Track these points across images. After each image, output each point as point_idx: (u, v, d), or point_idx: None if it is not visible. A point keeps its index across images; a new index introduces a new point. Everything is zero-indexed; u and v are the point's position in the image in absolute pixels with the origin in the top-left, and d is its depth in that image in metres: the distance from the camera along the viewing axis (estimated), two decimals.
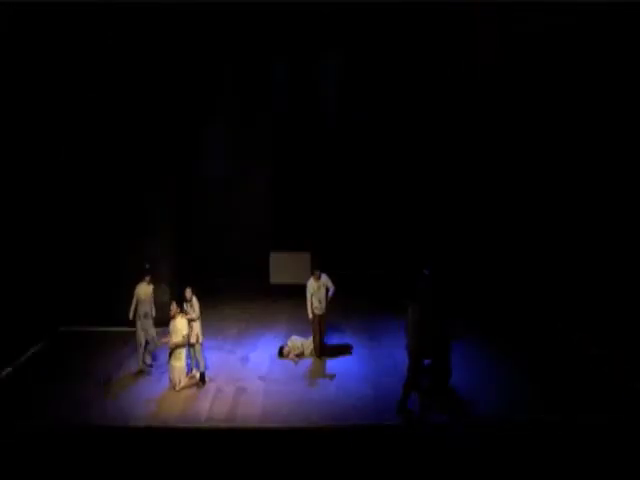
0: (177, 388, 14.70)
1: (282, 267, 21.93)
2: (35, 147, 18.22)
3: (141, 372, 15.62)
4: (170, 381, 14.88)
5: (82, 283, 18.76)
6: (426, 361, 15.01)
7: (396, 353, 16.69)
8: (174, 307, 14.92)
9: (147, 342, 15.79)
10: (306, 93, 22.14)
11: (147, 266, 16.14)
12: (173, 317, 14.85)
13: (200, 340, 15.12)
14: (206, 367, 15.14)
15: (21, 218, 18.10)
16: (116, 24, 17.99)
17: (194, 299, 15.16)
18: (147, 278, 15.95)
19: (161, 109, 18.69)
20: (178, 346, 14.77)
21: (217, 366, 15.78)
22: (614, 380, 15.02)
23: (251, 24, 20.70)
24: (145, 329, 15.79)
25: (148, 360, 15.88)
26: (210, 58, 21.36)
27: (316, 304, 16.40)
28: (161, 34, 18.48)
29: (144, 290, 15.92)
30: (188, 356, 15.09)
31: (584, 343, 17.06)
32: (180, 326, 14.76)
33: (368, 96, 22.05)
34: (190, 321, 14.95)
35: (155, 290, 16.28)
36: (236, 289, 21.16)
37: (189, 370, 15.15)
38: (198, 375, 15.03)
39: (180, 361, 14.80)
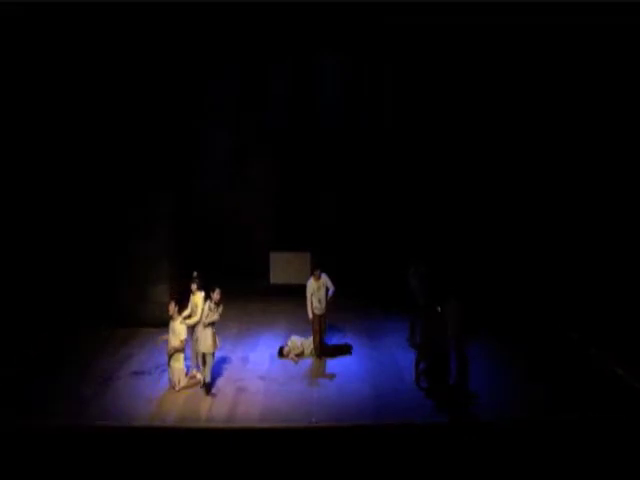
0: (177, 388, 14.66)
1: (282, 267, 21.78)
2: (36, 149, 18.32)
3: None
4: (170, 381, 14.85)
5: (83, 283, 18.79)
6: (421, 365, 15.09)
7: (396, 353, 16.77)
8: (172, 307, 14.73)
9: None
10: (306, 94, 22.14)
11: (194, 274, 15.81)
12: (172, 318, 14.68)
13: (212, 350, 14.71)
14: (212, 379, 14.84)
15: (23, 219, 18.20)
16: (114, 28, 18.10)
17: (207, 304, 14.70)
18: (194, 286, 15.21)
19: (161, 113, 18.72)
20: (177, 350, 14.68)
21: (217, 366, 15.56)
22: (614, 380, 15.01)
23: (251, 27, 20.67)
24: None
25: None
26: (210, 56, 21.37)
27: (316, 304, 16.34)
28: (165, 41, 18.58)
29: (193, 300, 15.22)
30: (187, 357, 15.03)
31: (584, 343, 17.05)
32: (179, 329, 14.60)
33: (368, 97, 22.11)
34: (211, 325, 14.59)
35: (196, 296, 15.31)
36: (236, 289, 20.94)
37: (188, 370, 15.12)
38: (199, 375, 14.95)
39: (179, 362, 14.73)
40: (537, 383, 15.00)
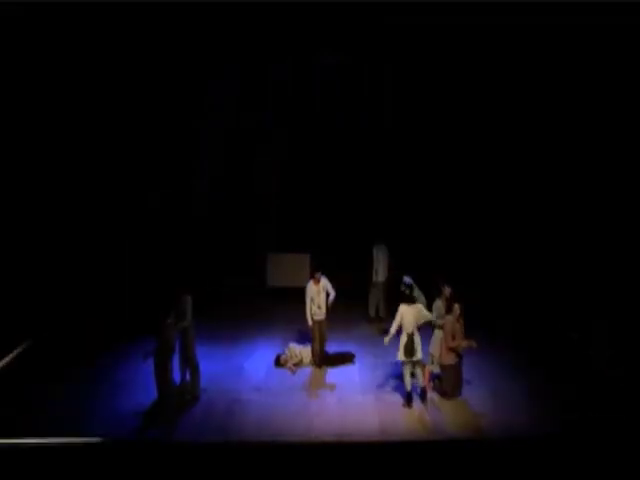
0: None
1: (280, 269, 21.40)
2: (36, 150, 18.39)
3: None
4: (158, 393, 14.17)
5: (82, 282, 18.90)
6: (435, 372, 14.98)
7: None
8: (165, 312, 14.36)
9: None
10: (306, 94, 22.12)
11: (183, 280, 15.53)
12: (163, 323, 14.33)
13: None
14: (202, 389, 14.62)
15: (22, 219, 18.29)
16: (114, 28, 18.11)
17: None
18: (183, 293, 14.62)
19: (161, 113, 18.76)
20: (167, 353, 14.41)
21: (209, 375, 15.08)
22: (614, 380, 15.08)
23: (251, 27, 20.61)
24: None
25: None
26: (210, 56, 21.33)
27: (315, 309, 16.00)
28: (165, 41, 18.59)
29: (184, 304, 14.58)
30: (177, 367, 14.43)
31: (584, 343, 17.11)
32: (169, 333, 14.16)
33: (368, 97, 22.06)
34: None
35: None
36: (232, 292, 20.82)
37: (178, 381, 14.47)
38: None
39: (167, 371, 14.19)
40: (537, 383, 15.07)
